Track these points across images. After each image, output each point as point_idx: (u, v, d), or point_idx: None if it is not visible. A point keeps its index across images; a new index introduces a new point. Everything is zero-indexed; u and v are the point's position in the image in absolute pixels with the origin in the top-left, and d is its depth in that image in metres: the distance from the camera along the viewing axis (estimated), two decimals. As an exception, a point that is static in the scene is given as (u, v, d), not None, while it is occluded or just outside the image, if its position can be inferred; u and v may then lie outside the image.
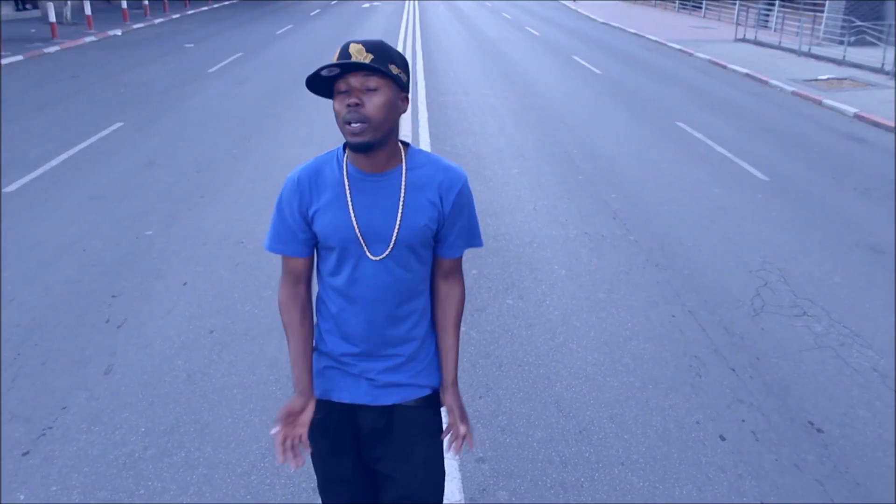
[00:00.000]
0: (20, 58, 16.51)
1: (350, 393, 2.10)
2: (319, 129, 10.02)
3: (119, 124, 10.17)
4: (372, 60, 1.85)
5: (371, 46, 1.87)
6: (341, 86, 1.86)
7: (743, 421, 3.90)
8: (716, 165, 8.74)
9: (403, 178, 1.98)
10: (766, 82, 15.21)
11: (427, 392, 2.15)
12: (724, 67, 17.32)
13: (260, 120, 10.61)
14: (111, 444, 3.62)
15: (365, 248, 1.97)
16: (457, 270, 2.16)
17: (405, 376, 2.11)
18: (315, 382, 2.13)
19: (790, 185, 8.01)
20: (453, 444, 2.15)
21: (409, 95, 2.01)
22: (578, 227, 6.54)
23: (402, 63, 1.93)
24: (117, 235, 6.14)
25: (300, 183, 2.00)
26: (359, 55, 1.84)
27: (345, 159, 2.00)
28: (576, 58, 18.20)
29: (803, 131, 10.88)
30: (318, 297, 2.14)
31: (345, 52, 1.86)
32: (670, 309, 5.10)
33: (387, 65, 1.87)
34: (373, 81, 1.85)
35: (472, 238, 2.14)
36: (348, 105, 1.84)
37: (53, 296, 5.10)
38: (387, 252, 1.98)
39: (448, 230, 2.05)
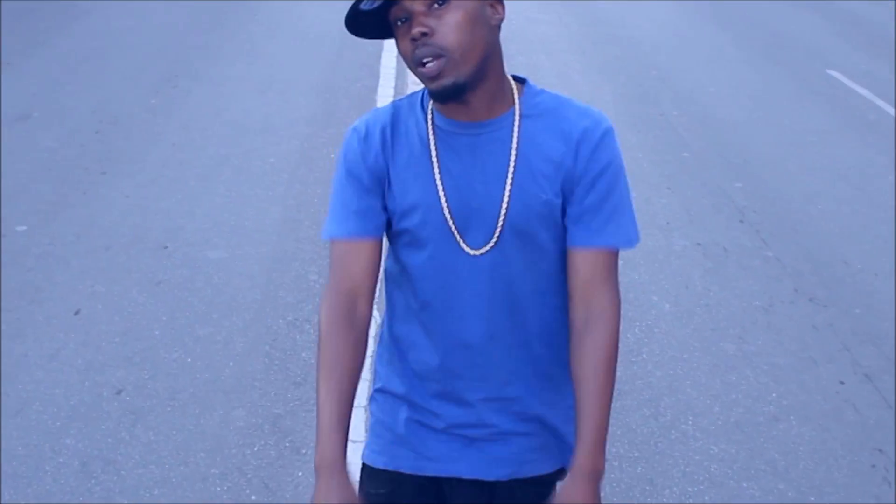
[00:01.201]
0: None
1: (432, 461, 2.12)
2: (284, 70, 9.83)
3: (-23, 55, 9.99)
4: None
5: None
6: (397, 13, 1.82)
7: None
8: (892, 139, 8.51)
9: (516, 130, 1.94)
10: (959, 10, 14.95)
11: (552, 468, 2.17)
12: (895, -14, 17.06)
13: (192, 52, 10.42)
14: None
15: (458, 237, 1.96)
16: (601, 278, 1.99)
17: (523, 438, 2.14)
18: (370, 444, 2.19)
19: None
20: None
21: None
22: (687, 236, 6.32)
23: None
24: (-27, 231, 5.96)
25: (369, 132, 1.99)
26: None
27: (430, 105, 1.98)
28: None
29: None
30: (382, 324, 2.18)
31: None
32: (837, 371, 4.88)
33: None
34: None
35: (621, 221, 1.99)
36: (412, 39, 1.80)
37: None
38: (492, 243, 1.95)
39: (580, 203, 1.95)
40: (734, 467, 4.14)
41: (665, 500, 3.92)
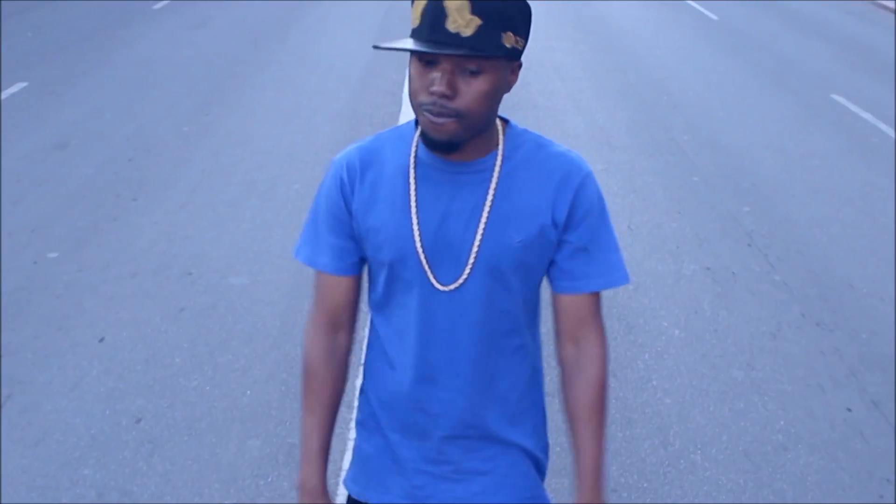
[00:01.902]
0: None
1: (397, 496, 2.04)
2: (311, 98, 9.65)
3: (21, 85, 9.89)
4: (478, 30, 1.64)
5: (479, 2, 1.64)
6: (429, 55, 1.69)
7: None
8: (895, 163, 8.23)
9: (496, 172, 1.84)
10: (958, 36, 14.64)
11: (518, 500, 2.03)
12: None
13: (224, 82, 10.27)
14: None
15: (428, 271, 1.86)
16: (589, 319, 1.96)
17: (488, 478, 2.03)
18: (352, 474, 2.12)
19: None
20: None
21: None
22: (697, 260, 6.08)
23: (524, 18, 1.73)
24: (6, 258, 5.79)
25: (349, 164, 1.91)
26: (461, 16, 1.64)
27: (415, 138, 1.90)
28: (679, -5, 17.74)
29: None
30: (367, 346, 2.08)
31: (437, 6, 1.65)
32: (844, 398, 4.63)
33: (499, 35, 1.67)
34: (476, 63, 1.67)
35: (609, 265, 1.92)
36: (432, 92, 1.67)
37: None
38: (461, 280, 1.86)
39: (565, 250, 1.89)
40: (743, 498, 3.90)
41: (673, 534, 3.69)
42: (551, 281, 1.95)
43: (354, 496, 2.10)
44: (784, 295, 5.65)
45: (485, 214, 1.82)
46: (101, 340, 4.90)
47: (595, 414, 1.93)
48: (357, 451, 2.11)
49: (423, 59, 1.68)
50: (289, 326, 5.07)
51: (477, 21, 1.63)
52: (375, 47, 1.61)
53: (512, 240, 1.83)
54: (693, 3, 16.79)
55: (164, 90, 9.86)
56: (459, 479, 2.01)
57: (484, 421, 1.98)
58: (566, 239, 1.87)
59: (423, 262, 1.85)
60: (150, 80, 10.25)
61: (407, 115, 8.86)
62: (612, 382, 4.69)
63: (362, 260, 1.97)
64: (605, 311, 5.30)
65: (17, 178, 7.13)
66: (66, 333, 4.96)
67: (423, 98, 1.69)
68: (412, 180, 1.85)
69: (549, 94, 10.07)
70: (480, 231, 1.82)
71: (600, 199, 1.90)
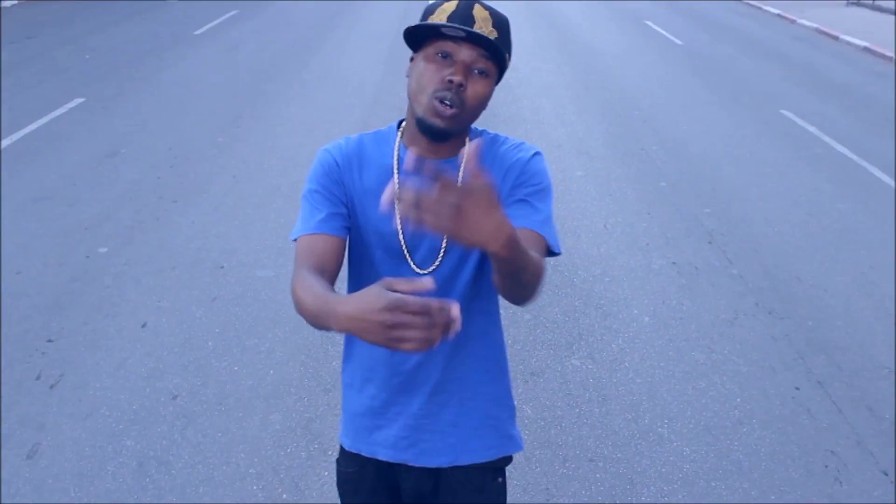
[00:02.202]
0: (-32, 12, 16.24)
1: (383, 447, 2.01)
2: (329, 110, 9.52)
3: (79, 100, 9.76)
4: (496, 40, 1.74)
5: (499, 20, 1.77)
6: (447, 48, 1.72)
7: (910, 559, 3.33)
8: (836, 170, 8.12)
9: (462, 167, 1.82)
10: (890, 59, 14.47)
11: (492, 456, 2.05)
12: (836, 39, 16.59)
13: (255, 98, 10.13)
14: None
15: (408, 257, 1.85)
16: (533, 247, 1.79)
17: (461, 430, 2.01)
18: (343, 429, 2.09)
19: (937, 200, 7.37)
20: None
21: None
22: (664, 255, 5.97)
23: (510, 51, 1.82)
24: (63, 253, 5.68)
25: (341, 153, 1.89)
26: (485, 25, 1.73)
27: (398, 139, 1.89)
28: (649, 23, 17.56)
29: (946, 125, 10.19)
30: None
31: (466, 10, 1.73)
32: (793, 378, 4.52)
33: (505, 52, 1.75)
34: (486, 64, 1.74)
35: (539, 222, 1.79)
36: (450, 80, 1.70)
37: (-29, 338, 4.65)
38: (436, 263, 1.85)
39: (510, 207, 1.81)
40: (704, 467, 3.80)
41: (644, 500, 3.59)
42: None
43: (347, 448, 2.08)
44: (740, 287, 5.54)
45: None
46: (144, 326, 4.81)
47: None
48: (345, 409, 2.09)
49: (441, 55, 1.71)
50: (308, 314, 4.96)
51: (495, 33, 1.73)
52: (408, 29, 1.71)
53: None
54: (661, 30, 16.61)
55: (201, 105, 9.74)
56: (436, 430, 1.99)
57: (457, 378, 1.96)
58: (514, 202, 1.82)
59: (404, 249, 1.85)
60: (189, 97, 10.13)
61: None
62: (590, 362, 4.59)
63: (348, 229, 1.87)
64: (584, 302, 5.22)
65: (73, 182, 7.03)
66: (113, 320, 4.87)
67: (438, 87, 1.70)
68: (395, 176, 1.85)
69: (537, 110, 9.93)
70: None
71: (545, 174, 1.86)
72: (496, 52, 1.71)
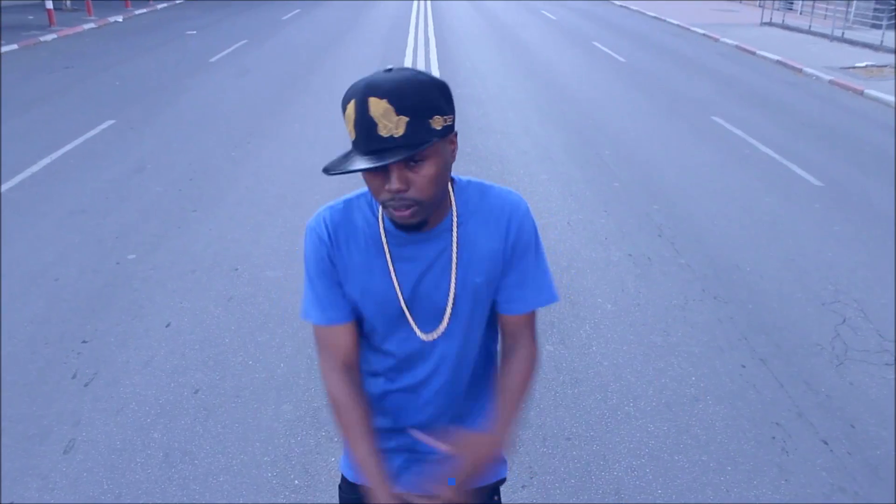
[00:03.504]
0: (14, 47, 15.75)
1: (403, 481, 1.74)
2: (327, 127, 9.20)
3: (110, 122, 9.40)
4: (408, 127, 1.32)
5: (400, 99, 1.32)
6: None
7: (853, 523, 3.13)
8: (763, 169, 7.91)
9: (455, 231, 1.54)
10: (800, 70, 14.32)
11: (491, 479, 1.79)
12: (754, 54, 16.40)
13: (263, 118, 9.79)
14: (62, 562, 2.88)
15: (413, 325, 1.59)
16: (525, 330, 1.68)
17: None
18: (343, 457, 1.83)
19: (848, 193, 7.18)
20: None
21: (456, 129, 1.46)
22: (621, 248, 5.74)
23: (445, 97, 1.40)
24: (96, 261, 5.39)
25: (327, 231, 1.57)
26: (386, 121, 1.32)
27: (380, 209, 1.56)
28: (597, 44, 17.28)
29: (850, 126, 10.02)
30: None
31: (363, 114, 1.33)
32: (739, 357, 4.32)
33: (428, 123, 1.35)
34: (417, 155, 1.37)
35: (541, 287, 1.64)
36: (388, 190, 1.39)
37: (14, 341, 4.36)
38: (442, 327, 1.60)
39: (506, 276, 1.61)
40: (667, 442, 3.59)
41: (616, 474, 3.37)
42: (495, 303, 1.66)
43: (350, 479, 1.80)
44: (688, 275, 5.33)
45: (453, 269, 1.56)
46: (168, 326, 4.54)
47: (516, 395, 1.64)
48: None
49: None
50: (313, 310, 4.71)
51: (404, 119, 1.32)
52: (325, 172, 1.37)
53: (474, 283, 1.58)
54: (606, 49, 16.36)
55: (216, 124, 9.40)
56: (434, 461, 1.71)
57: (455, 412, 1.73)
58: (508, 269, 1.60)
59: (409, 318, 1.59)
60: (206, 117, 9.79)
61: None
62: (562, 347, 4.37)
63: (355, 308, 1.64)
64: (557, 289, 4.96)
65: (105, 196, 6.71)
66: (141, 321, 4.59)
67: (384, 196, 1.41)
68: (386, 250, 1.55)
69: (505, 121, 9.67)
70: (453, 284, 1.56)
71: (535, 231, 1.62)
72: (419, 147, 1.34)
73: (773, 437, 3.64)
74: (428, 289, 1.57)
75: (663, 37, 19.11)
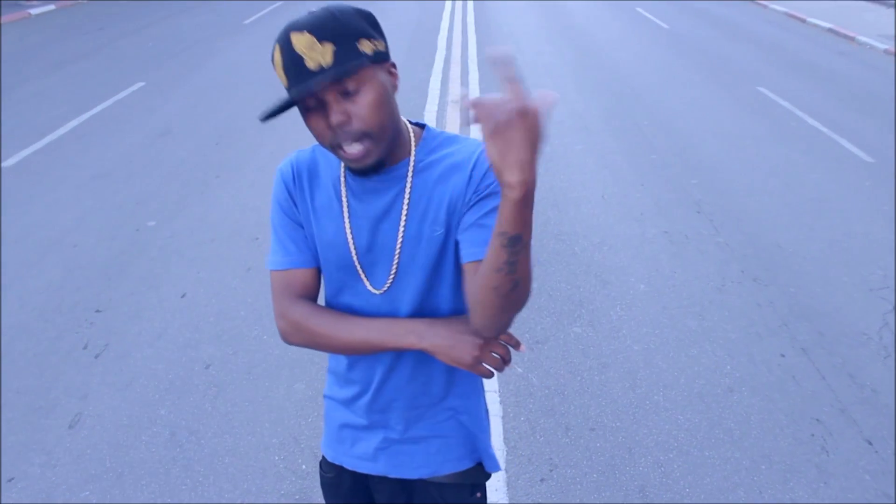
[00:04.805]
0: (52, 7, 15.74)
1: (361, 460, 1.68)
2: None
3: (140, 84, 9.29)
4: (335, 54, 1.25)
5: (321, 29, 1.25)
6: (309, 102, 1.29)
7: (898, 532, 2.90)
8: (809, 142, 7.53)
9: (409, 177, 1.43)
10: (853, 38, 13.70)
11: (466, 465, 1.66)
12: (804, 21, 15.76)
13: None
14: (58, 545, 2.77)
15: (363, 278, 1.48)
16: None
17: (436, 442, 1.65)
18: (323, 436, 1.76)
19: (902, 170, 6.80)
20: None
21: (393, 58, 1.39)
22: (656, 225, 5.48)
23: (369, 22, 1.32)
24: (115, 227, 5.27)
25: (294, 174, 1.50)
26: (311, 52, 1.25)
27: None
28: (640, 10, 16.75)
29: (905, 100, 9.53)
30: None
31: (289, 52, 1.26)
32: (778, 345, 4.06)
33: (356, 47, 1.28)
34: (350, 83, 1.28)
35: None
36: (332, 126, 1.29)
37: (28, 309, 4.26)
38: (388, 283, 1.47)
39: (468, 222, 1.41)
40: (697, 436, 3.38)
41: (641, 469, 3.17)
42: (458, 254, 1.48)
43: (329, 459, 1.75)
44: (726, 254, 5.06)
45: (403, 217, 1.43)
46: (183, 296, 4.41)
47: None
48: (327, 419, 1.75)
49: (308, 108, 1.29)
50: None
51: (329, 47, 1.25)
52: (261, 119, 1.28)
53: (433, 233, 1.43)
54: (649, 15, 15.85)
55: (245, 88, 9.23)
56: (413, 442, 1.64)
57: (429, 391, 1.59)
58: (468, 214, 1.41)
59: (359, 269, 1.48)
60: (235, 81, 9.62)
61: (431, 105, 8.23)
62: (590, 329, 4.16)
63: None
64: (585, 270, 4.76)
65: (129, 160, 6.60)
66: (156, 291, 4.47)
67: (329, 136, 1.30)
68: (343, 195, 1.47)
69: (540, 89, 9.35)
70: (400, 235, 1.44)
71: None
72: (349, 72, 1.25)
73: (813, 435, 3.40)
74: (384, 239, 1.46)
75: (708, 3, 18.45)
